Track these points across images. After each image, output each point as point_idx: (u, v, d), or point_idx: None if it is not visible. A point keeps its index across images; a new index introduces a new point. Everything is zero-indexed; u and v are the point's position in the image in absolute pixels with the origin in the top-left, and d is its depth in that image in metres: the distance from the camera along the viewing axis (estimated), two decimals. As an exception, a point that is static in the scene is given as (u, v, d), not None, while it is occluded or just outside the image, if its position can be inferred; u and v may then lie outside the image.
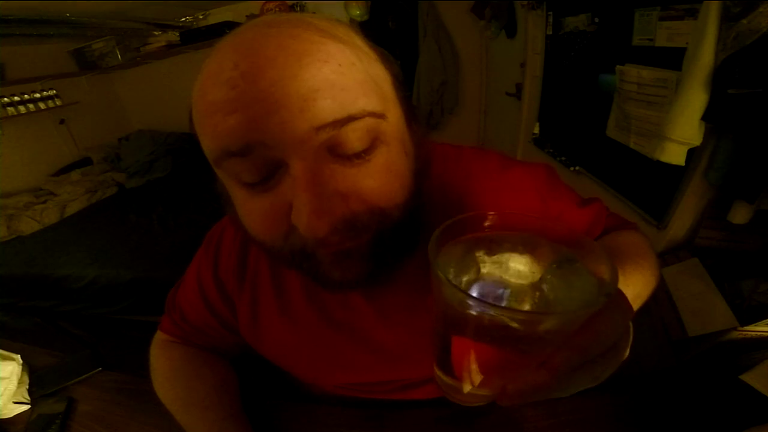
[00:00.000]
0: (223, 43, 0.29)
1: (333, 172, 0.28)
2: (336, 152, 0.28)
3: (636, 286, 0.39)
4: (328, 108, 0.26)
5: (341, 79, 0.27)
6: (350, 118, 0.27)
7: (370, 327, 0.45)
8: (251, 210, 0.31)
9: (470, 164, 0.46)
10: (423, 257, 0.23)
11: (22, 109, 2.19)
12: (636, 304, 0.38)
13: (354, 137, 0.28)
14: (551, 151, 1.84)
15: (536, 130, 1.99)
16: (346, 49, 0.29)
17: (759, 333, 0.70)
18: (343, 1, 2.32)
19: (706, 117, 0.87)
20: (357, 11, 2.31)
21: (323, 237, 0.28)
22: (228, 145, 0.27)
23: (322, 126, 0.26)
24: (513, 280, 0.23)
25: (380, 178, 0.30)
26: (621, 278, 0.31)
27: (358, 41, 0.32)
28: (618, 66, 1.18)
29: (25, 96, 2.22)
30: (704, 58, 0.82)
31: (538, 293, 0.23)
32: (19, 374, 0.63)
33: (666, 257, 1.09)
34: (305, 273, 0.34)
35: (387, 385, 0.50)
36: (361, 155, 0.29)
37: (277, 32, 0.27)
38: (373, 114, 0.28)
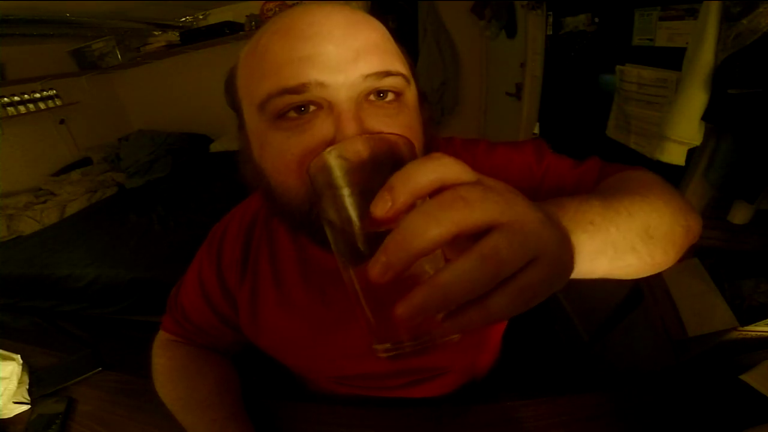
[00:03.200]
0: (287, 11, 0.36)
1: (368, 115, 0.34)
2: (372, 99, 0.35)
3: (638, 216, 0.32)
4: (374, 62, 0.34)
5: (384, 44, 0.36)
6: (388, 73, 0.35)
7: None
8: (288, 149, 0.35)
9: (457, 151, 0.49)
10: None
11: (22, 109, 2.19)
12: (658, 238, 0.32)
13: (388, 89, 0.35)
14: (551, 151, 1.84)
15: (536, 130, 1.98)
16: (384, 27, 0.38)
17: (759, 333, 0.70)
18: (343, 1, 2.32)
19: (706, 117, 0.87)
20: (357, 11, 2.31)
21: None
22: (288, 83, 0.33)
23: (368, 75, 0.34)
24: None
25: (401, 132, 0.35)
26: (610, 210, 0.30)
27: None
28: (618, 66, 1.17)
29: (25, 96, 2.21)
30: (704, 58, 0.82)
31: None
32: (19, 374, 0.63)
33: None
34: (314, 234, 0.36)
35: (387, 381, 0.50)
36: (391, 107, 0.36)
37: (333, 6, 0.36)
38: (403, 75, 0.36)
